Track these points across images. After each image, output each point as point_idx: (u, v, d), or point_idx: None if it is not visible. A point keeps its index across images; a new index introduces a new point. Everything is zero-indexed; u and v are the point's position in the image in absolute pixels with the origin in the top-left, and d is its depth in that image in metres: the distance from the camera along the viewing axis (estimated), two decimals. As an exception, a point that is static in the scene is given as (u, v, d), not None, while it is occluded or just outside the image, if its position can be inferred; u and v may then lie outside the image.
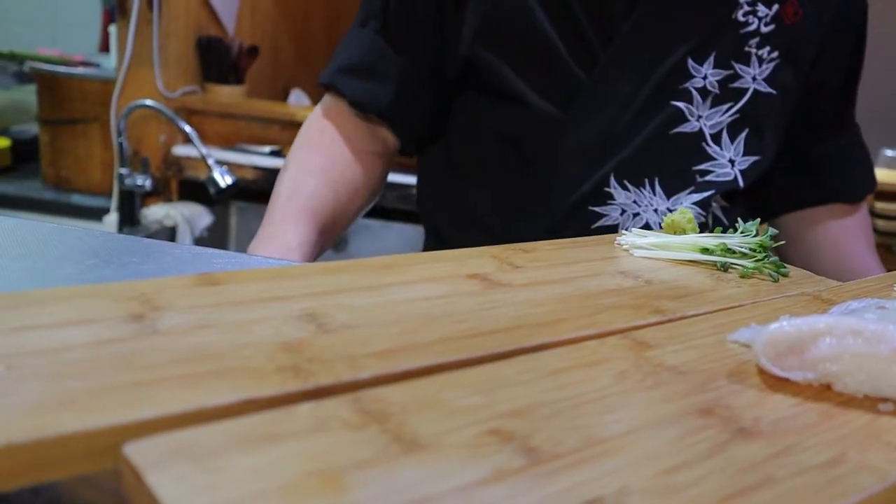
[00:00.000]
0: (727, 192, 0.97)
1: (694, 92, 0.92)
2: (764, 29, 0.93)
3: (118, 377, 0.35)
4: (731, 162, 0.95)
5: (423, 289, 0.50)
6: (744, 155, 0.96)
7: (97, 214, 2.14)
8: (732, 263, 0.61)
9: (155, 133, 2.13)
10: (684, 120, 0.92)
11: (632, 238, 0.64)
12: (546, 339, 0.44)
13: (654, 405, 0.38)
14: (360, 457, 0.30)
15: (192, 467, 0.29)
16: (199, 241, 2.13)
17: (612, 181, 0.92)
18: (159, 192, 2.14)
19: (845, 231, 1.09)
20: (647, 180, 0.92)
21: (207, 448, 0.30)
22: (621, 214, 0.93)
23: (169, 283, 0.47)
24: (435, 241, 1.06)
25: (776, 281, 0.60)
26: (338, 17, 3.11)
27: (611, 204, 0.92)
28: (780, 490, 0.32)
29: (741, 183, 0.96)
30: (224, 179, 1.89)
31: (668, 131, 0.92)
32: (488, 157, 0.98)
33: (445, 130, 1.02)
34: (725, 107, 0.93)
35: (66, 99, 2.20)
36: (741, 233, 0.64)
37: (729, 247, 0.62)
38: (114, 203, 2.11)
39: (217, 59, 2.25)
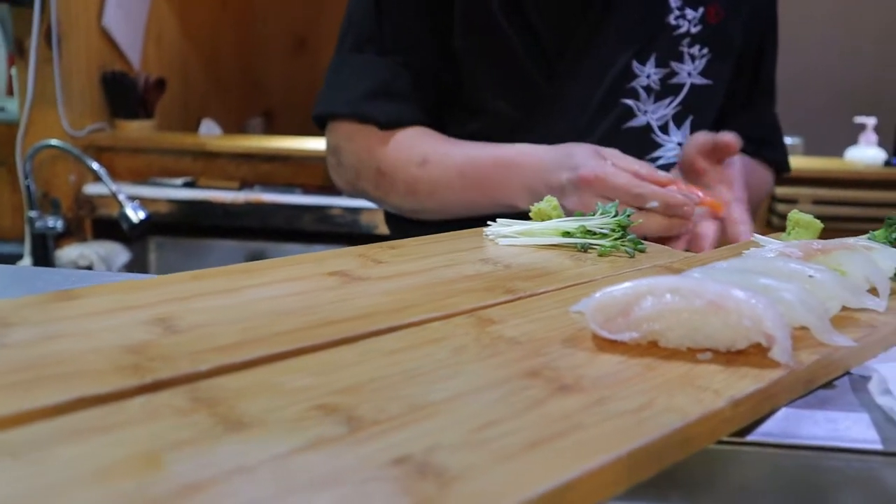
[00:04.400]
0: None
1: (640, 90, 1.02)
2: (693, 30, 1.04)
3: (-45, 390, 0.36)
4: (679, 145, 1.06)
5: (281, 288, 0.51)
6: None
7: (10, 260, 2.10)
8: (591, 244, 0.64)
9: (64, 173, 2.11)
10: (633, 115, 1.03)
11: (497, 228, 0.67)
12: (393, 323, 0.46)
13: (485, 372, 0.40)
14: (181, 438, 0.32)
15: (11, 463, 0.30)
16: (117, 278, 2.11)
17: None
18: (73, 233, 2.12)
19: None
20: None
21: (33, 444, 0.31)
22: None
23: (26, 302, 0.48)
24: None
25: (632, 256, 0.63)
26: (248, 43, 3.10)
27: None
28: (586, 435, 0.34)
29: None
30: (136, 214, 1.87)
31: (620, 126, 1.02)
32: None
33: None
34: (668, 101, 1.04)
35: (-30, 145, 2.17)
36: (601, 214, 0.67)
37: (588, 228, 0.65)
38: (27, 247, 2.07)
39: (124, 94, 2.24)
